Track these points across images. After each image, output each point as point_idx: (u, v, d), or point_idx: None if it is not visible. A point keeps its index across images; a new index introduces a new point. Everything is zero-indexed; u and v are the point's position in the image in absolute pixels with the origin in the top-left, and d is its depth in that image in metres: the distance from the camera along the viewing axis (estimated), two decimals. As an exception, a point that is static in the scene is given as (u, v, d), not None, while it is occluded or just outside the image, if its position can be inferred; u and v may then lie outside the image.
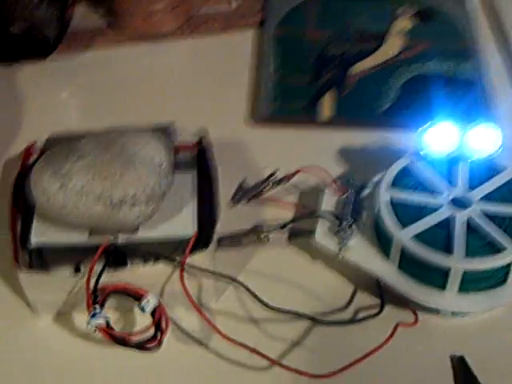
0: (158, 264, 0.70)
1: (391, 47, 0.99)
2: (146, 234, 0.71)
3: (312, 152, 0.87)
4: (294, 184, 0.84)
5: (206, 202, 0.75)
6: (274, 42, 1.00)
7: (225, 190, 0.81)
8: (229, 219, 0.78)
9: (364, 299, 0.74)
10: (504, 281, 0.71)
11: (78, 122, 0.96)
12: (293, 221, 0.78)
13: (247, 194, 0.82)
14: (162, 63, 1.02)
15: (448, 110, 0.88)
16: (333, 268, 0.76)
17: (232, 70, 0.99)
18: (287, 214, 0.81)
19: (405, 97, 0.92)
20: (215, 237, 0.72)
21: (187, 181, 0.75)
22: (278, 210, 0.81)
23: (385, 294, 0.73)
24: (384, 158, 0.80)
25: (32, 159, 0.80)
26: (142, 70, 1.00)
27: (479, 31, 1.02)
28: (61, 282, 0.70)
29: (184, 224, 0.72)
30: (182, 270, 0.69)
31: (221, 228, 0.74)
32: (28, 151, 0.81)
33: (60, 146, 0.74)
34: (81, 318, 0.70)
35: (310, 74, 0.96)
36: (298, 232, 0.79)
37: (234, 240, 0.76)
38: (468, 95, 0.92)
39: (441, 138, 0.76)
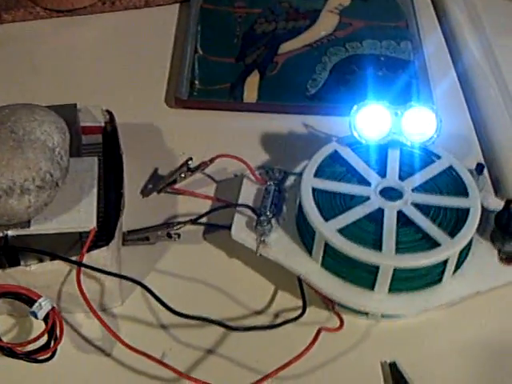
0: (54, 262, 0.62)
1: (325, 25, 0.92)
2: (39, 227, 0.63)
3: (233, 138, 0.81)
4: (210, 174, 0.77)
5: (111, 191, 0.68)
6: (200, 17, 0.93)
7: (135, 178, 0.74)
8: (137, 211, 0.71)
9: (285, 300, 0.68)
10: (440, 280, 0.65)
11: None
12: (205, 214, 0.71)
13: (159, 183, 0.74)
14: (79, 39, 0.94)
15: (383, 92, 0.82)
16: (251, 266, 0.70)
17: (154, 48, 0.92)
18: (202, 207, 0.74)
19: (336, 79, 0.85)
20: (119, 232, 0.64)
21: (90, 167, 0.67)
22: (192, 202, 0.74)
23: (308, 295, 0.66)
24: (310, 145, 0.74)
25: None
26: (56, 46, 0.93)
27: (419, 9, 0.96)
28: None
29: (83, 216, 0.64)
30: (80, 269, 0.61)
31: (128, 221, 0.67)
32: None
33: None
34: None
35: (236, 53, 0.88)
36: (214, 227, 0.71)
37: (141, 235, 0.69)
38: (405, 77, 0.85)
39: (371, 121, 0.69)
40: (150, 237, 0.69)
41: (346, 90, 0.84)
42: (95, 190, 0.65)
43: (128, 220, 0.67)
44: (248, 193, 0.71)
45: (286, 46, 0.89)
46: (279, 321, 0.65)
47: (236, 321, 0.65)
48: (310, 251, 0.66)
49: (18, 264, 0.63)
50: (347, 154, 0.69)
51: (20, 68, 0.89)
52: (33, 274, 0.61)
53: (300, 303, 0.66)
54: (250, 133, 0.81)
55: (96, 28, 0.94)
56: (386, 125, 0.69)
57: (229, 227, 0.68)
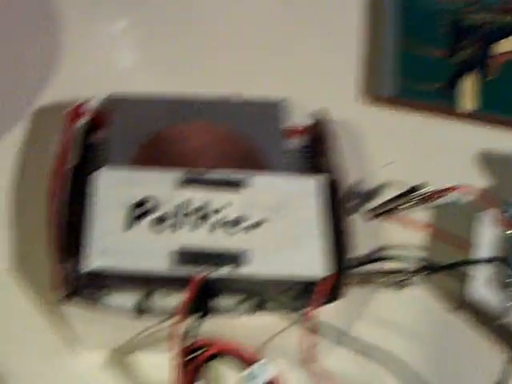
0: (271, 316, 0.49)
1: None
2: (256, 269, 0.49)
3: (447, 151, 0.66)
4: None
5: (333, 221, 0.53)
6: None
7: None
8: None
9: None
10: None
11: (138, 65, 0.71)
12: (445, 267, 0.56)
13: (378, 208, 0.59)
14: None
15: None
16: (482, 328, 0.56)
17: (338, 28, 0.76)
18: (420, 239, 0.60)
19: None
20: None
21: (308, 191, 0.53)
22: (408, 233, 0.60)
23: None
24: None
25: (81, 123, 0.58)
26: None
27: None
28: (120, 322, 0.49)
29: (312, 259, 0.49)
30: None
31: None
32: (76, 112, 0.58)
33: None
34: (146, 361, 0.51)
35: (445, 47, 0.73)
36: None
37: (363, 277, 0.55)
38: None
39: None
40: (370, 279, 0.55)
41: None
42: (320, 223, 0.51)
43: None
44: (486, 238, 0.57)
45: (502, 46, 0.73)
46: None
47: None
48: None
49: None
50: None
51: (192, 29, 0.72)
52: (241, 327, 0.48)
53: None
54: (467, 148, 0.66)
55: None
56: None
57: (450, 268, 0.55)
